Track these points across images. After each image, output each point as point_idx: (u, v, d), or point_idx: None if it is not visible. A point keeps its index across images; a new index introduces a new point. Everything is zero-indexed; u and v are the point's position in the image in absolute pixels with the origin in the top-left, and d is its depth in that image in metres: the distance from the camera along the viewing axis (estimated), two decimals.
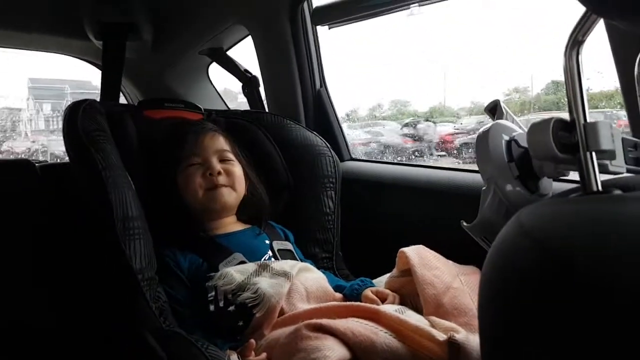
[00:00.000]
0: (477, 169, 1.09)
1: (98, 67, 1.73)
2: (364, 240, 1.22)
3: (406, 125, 2.45)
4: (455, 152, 2.13)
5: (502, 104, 0.57)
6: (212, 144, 1.01)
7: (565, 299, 0.25)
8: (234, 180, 1.00)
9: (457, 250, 0.88)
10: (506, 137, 0.51)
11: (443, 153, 2.17)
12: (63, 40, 1.55)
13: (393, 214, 1.19)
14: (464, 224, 0.53)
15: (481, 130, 0.52)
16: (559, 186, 0.54)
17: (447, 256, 0.89)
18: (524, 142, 0.50)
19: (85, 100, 0.97)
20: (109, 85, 1.30)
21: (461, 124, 2.35)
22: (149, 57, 1.58)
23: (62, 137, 0.90)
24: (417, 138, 2.27)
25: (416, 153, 2.18)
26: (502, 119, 0.55)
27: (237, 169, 1.02)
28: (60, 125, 0.92)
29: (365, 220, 1.24)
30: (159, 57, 1.60)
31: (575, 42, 0.35)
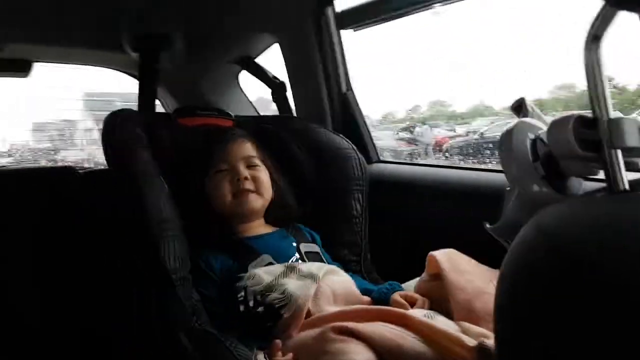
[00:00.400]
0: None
1: (135, 78, 1.80)
2: (393, 243, 1.20)
3: (404, 129, 2.50)
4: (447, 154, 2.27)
5: (528, 102, 0.55)
6: (239, 150, 1.04)
7: (574, 296, 0.24)
8: (260, 186, 1.02)
9: (491, 253, 0.86)
10: (531, 136, 0.49)
11: (439, 155, 2.27)
12: (101, 53, 1.62)
13: (422, 216, 1.17)
14: (487, 225, 0.52)
15: (505, 129, 0.51)
16: (590, 186, 0.52)
17: (480, 260, 0.87)
18: None
19: (123, 110, 1.02)
20: (145, 95, 1.35)
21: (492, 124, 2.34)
22: (182, 66, 1.63)
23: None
24: (411, 141, 2.33)
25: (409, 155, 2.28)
26: (527, 117, 0.53)
27: (264, 175, 1.04)
28: None
29: (394, 223, 1.22)
30: (192, 66, 1.65)
31: (595, 37, 0.34)
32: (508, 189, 0.49)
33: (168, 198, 0.90)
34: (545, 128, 0.52)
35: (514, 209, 0.46)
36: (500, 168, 1.07)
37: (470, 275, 0.83)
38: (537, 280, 0.27)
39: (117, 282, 0.99)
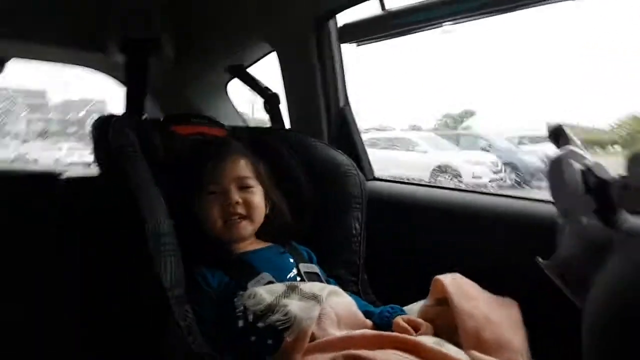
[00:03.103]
0: (508, 193, 1.08)
1: (120, 81, 1.72)
2: (388, 264, 1.18)
3: None
4: None
5: (567, 129, 0.54)
6: (232, 170, 0.99)
7: None
8: (252, 211, 0.98)
9: (489, 279, 0.85)
10: (579, 166, 0.48)
11: None
12: (84, 54, 1.54)
13: (419, 238, 1.16)
14: (540, 260, 0.50)
15: (553, 156, 0.49)
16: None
17: (480, 286, 0.85)
18: (600, 172, 0.47)
19: (114, 115, 0.96)
20: (133, 101, 1.28)
21: None
22: (170, 72, 1.57)
23: None
24: None
25: None
26: (569, 145, 0.52)
27: (257, 198, 1.00)
28: None
29: (389, 243, 1.20)
30: (180, 73, 1.60)
31: None
32: (560, 222, 0.47)
33: (165, 211, 0.85)
34: (589, 158, 0.51)
35: (569, 244, 0.44)
36: (503, 193, 1.09)
37: (476, 302, 0.81)
38: None
39: (106, 299, 0.92)
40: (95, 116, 0.95)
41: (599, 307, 0.29)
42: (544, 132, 0.54)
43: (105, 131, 0.89)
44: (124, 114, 1.01)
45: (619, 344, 0.27)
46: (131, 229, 0.79)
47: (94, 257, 1.01)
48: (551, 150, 0.51)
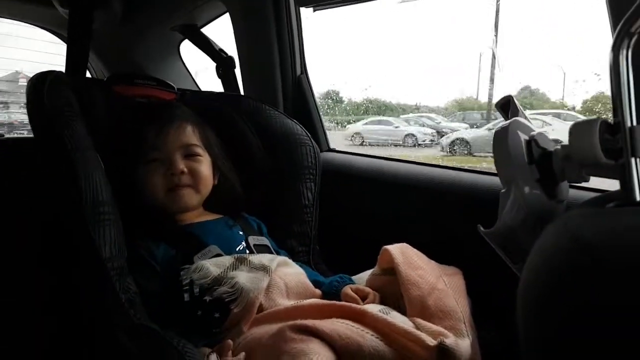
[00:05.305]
0: (458, 166, 1.10)
1: (63, 39, 1.60)
2: (341, 235, 1.18)
3: None
4: None
5: (515, 101, 0.54)
6: (177, 137, 0.93)
7: (615, 305, 0.22)
8: (198, 181, 0.93)
9: (436, 249, 0.87)
10: (524, 137, 0.48)
11: None
12: (25, 7, 1.41)
13: (371, 208, 1.16)
14: (482, 229, 0.50)
15: (499, 126, 0.49)
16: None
17: (427, 254, 0.87)
18: (543, 143, 0.47)
19: (52, 71, 0.88)
20: (75, 58, 1.18)
21: None
22: (117, 29, 1.47)
23: None
24: None
25: None
26: (518, 116, 0.52)
27: (204, 167, 0.95)
28: None
29: (342, 214, 1.20)
30: (128, 30, 1.49)
31: (626, 35, 0.32)
32: (503, 191, 0.47)
33: (104, 177, 0.79)
34: (535, 129, 0.51)
35: (511, 213, 0.45)
36: (453, 166, 1.11)
37: (422, 271, 0.83)
38: (580, 297, 0.25)
39: (40, 269, 0.86)
40: None
41: (534, 275, 0.29)
42: None
43: (40, 89, 0.81)
44: (62, 72, 0.93)
45: (551, 314, 0.27)
46: (67, 195, 0.73)
47: (31, 223, 0.94)
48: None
